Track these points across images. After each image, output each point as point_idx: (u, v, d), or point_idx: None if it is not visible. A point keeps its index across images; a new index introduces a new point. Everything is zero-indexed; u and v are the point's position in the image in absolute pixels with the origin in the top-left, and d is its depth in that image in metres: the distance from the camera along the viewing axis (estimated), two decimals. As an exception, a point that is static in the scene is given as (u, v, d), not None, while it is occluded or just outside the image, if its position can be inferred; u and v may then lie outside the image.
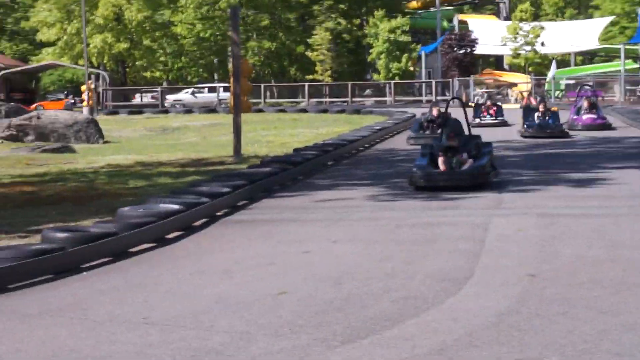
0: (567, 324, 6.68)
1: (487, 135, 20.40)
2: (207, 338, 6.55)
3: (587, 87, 36.43)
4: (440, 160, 15.20)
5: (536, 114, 26.18)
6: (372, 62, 61.44)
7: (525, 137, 25.09)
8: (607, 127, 27.69)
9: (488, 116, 30.85)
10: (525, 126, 25.94)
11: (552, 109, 27.61)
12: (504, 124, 30.12)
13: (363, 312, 7.19)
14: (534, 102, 45.44)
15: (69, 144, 26.15)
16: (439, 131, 18.33)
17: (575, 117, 28.30)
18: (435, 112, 24.59)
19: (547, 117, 26.03)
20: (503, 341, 6.25)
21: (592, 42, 61.54)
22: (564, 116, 28.74)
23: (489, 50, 59.14)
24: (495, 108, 31.28)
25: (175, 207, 11.61)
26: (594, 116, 28.02)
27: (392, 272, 8.69)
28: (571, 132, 26.50)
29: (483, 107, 31.92)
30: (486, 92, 52.16)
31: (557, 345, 6.13)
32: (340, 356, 6.01)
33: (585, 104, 28.59)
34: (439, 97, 46.73)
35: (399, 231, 11.12)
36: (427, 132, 23.91)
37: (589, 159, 19.38)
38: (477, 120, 29.63)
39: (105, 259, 9.73)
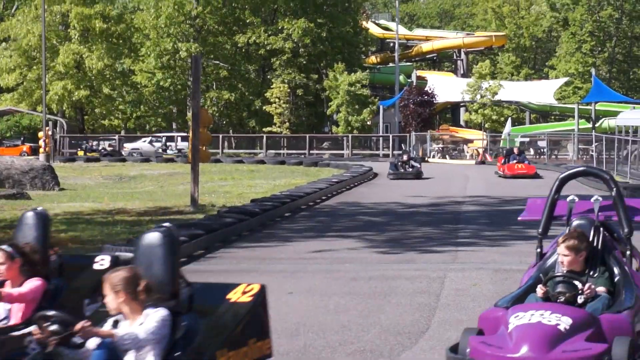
0: (521, 379, 6.70)
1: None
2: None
3: None
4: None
5: None
6: (331, 115, 61.77)
7: None
8: None
9: None
10: None
11: None
12: None
13: (318, 364, 7.19)
14: (489, 158, 46.11)
15: (25, 191, 25.90)
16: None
17: None
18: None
19: None
20: (457, 395, 6.26)
21: (547, 101, 62.58)
22: None
23: (447, 98, 59.92)
24: None
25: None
26: None
27: (348, 324, 8.71)
28: None
29: None
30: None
31: (511, 400, 6.15)
32: (295, 408, 5.99)
33: None
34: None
35: (355, 284, 11.14)
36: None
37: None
38: None
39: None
